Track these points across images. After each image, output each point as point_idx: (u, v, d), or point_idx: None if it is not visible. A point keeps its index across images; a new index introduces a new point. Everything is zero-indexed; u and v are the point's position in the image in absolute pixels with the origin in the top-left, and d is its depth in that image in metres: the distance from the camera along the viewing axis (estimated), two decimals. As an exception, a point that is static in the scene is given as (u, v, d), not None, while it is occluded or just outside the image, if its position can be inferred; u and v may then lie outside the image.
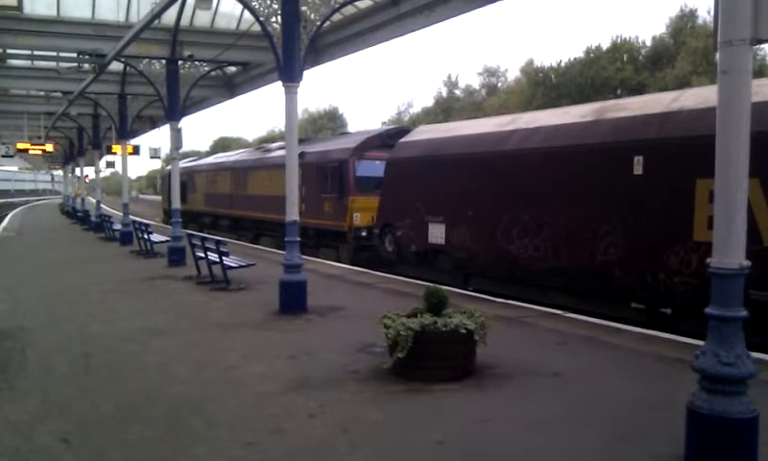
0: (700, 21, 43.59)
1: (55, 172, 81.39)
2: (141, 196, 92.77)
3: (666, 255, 8.95)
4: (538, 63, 52.07)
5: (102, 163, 32.02)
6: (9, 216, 45.27)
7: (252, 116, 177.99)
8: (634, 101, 11.20)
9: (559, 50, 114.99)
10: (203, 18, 15.91)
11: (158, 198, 51.34)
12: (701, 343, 5.50)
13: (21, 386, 6.38)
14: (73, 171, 43.77)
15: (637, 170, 9.39)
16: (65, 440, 4.93)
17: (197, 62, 15.96)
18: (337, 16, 13.77)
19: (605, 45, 47.52)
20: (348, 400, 5.80)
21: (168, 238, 16.73)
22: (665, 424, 4.97)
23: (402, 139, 15.90)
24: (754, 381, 4.09)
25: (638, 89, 37.30)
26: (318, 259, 17.10)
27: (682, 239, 8.74)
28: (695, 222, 8.56)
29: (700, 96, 9.31)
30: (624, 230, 9.59)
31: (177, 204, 16.65)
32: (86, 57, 15.59)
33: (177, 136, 16.11)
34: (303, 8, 9.78)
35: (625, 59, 45.99)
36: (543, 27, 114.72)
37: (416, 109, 71.13)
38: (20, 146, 30.06)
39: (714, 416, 4.01)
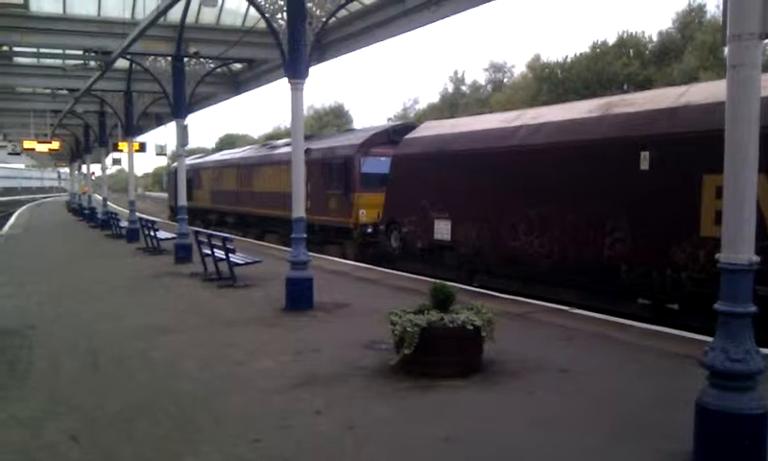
0: (708, 16, 43.41)
1: (61, 169, 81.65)
2: (147, 193, 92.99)
3: (673, 251, 8.91)
4: (544, 59, 51.99)
5: (108, 160, 32.07)
6: (16, 214, 45.45)
7: (257, 113, 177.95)
8: (640, 96, 11.14)
9: (565, 45, 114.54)
10: (208, 15, 15.95)
11: (164, 195, 51.47)
12: (708, 338, 5.46)
13: (29, 383, 6.41)
14: (79, 168, 43.91)
15: (644, 165, 9.34)
16: (73, 437, 4.95)
17: (202, 59, 15.96)
18: (342, 13, 13.76)
19: (611, 40, 47.38)
20: (355, 396, 5.80)
21: (174, 235, 16.77)
22: (673, 420, 4.95)
23: (408, 135, 15.87)
24: (763, 377, 4.06)
25: (645, 84, 37.12)
26: (323, 256, 17.10)
27: (688, 235, 8.70)
28: (702, 217, 8.51)
29: (707, 91, 9.25)
30: (630, 226, 9.55)
31: (183, 201, 16.68)
32: (92, 54, 15.68)
33: (183, 133, 16.12)
34: (309, 4, 9.76)
35: (631, 54, 45.80)
36: (549, 22, 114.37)
37: (422, 105, 71.13)
38: (27, 144, 30.17)
39: (723, 412, 3.98)
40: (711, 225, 8.24)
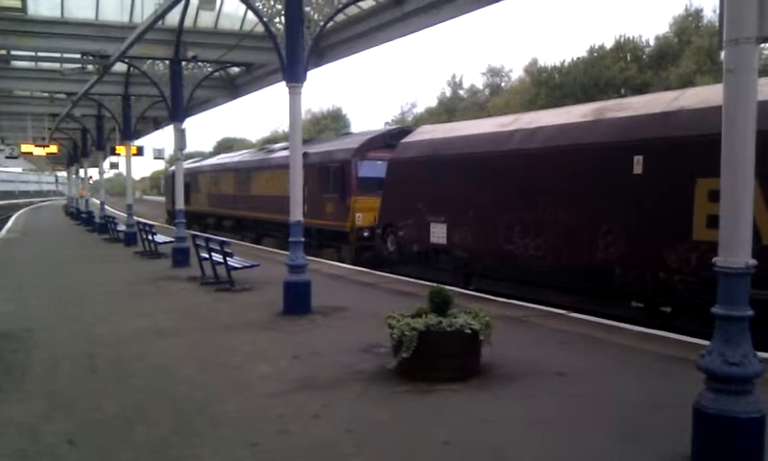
0: (705, 20, 43.58)
1: (59, 173, 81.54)
2: (145, 197, 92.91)
3: (666, 254, 8.94)
4: (541, 63, 52.16)
5: (106, 164, 32.03)
6: (13, 217, 45.35)
7: (255, 117, 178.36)
8: (634, 100, 11.19)
9: (562, 50, 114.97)
10: (206, 19, 15.94)
11: (162, 199, 51.44)
12: (701, 341, 5.49)
13: (27, 387, 6.40)
14: (77, 172, 43.85)
15: (638, 169, 9.38)
16: (71, 441, 4.95)
17: (200, 63, 15.97)
18: (341, 16, 13.77)
19: (608, 45, 47.53)
20: (353, 400, 5.80)
21: (172, 239, 16.76)
22: (670, 423, 4.96)
23: (404, 139, 15.88)
24: (760, 380, 4.08)
25: (642, 88, 37.24)
26: (320, 260, 17.10)
27: (681, 238, 8.72)
28: (695, 221, 8.54)
29: (700, 96, 9.30)
30: (624, 230, 9.57)
31: (181, 204, 16.67)
32: (90, 58, 15.62)
33: (180, 137, 16.11)
34: (307, 8, 9.78)
35: (628, 58, 45.94)
36: (547, 27, 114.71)
37: (419, 110, 71.26)
38: (24, 147, 30.10)
39: (721, 416, 4.00)
40: (704, 228, 8.27)
